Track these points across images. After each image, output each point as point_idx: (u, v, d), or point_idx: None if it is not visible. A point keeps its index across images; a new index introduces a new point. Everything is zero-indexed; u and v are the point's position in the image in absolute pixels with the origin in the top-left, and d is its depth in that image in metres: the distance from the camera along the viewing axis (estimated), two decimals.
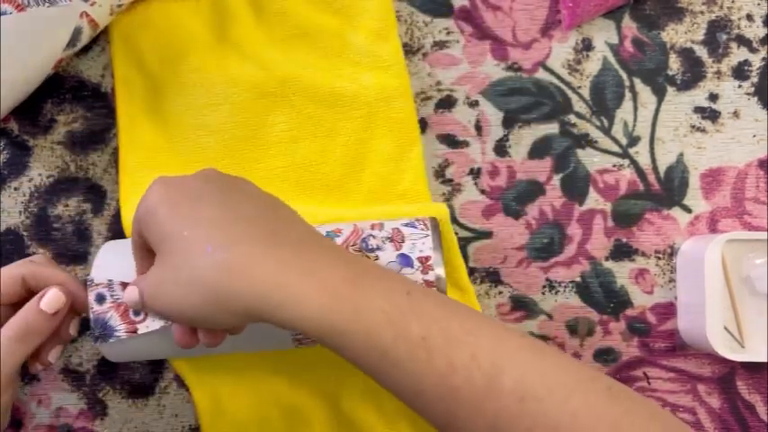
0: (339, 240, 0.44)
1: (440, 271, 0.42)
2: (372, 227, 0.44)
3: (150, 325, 0.42)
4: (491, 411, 0.33)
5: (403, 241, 0.43)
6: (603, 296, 0.52)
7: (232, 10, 0.51)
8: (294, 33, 0.52)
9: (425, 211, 0.48)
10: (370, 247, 0.43)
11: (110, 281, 0.42)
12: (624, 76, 0.52)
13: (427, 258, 0.43)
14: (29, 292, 0.44)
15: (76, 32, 0.47)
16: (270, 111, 0.51)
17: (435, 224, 0.45)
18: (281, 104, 0.51)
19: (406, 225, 0.44)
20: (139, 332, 0.42)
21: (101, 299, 0.42)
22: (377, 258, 0.43)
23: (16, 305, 0.43)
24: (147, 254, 0.40)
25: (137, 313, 0.42)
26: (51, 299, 0.42)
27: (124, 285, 0.42)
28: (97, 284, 0.42)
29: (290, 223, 0.38)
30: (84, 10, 0.46)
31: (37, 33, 0.45)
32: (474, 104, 0.53)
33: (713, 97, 0.52)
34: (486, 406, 0.33)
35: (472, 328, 0.35)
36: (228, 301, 0.35)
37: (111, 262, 0.44)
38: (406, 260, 0.43)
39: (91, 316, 0.42)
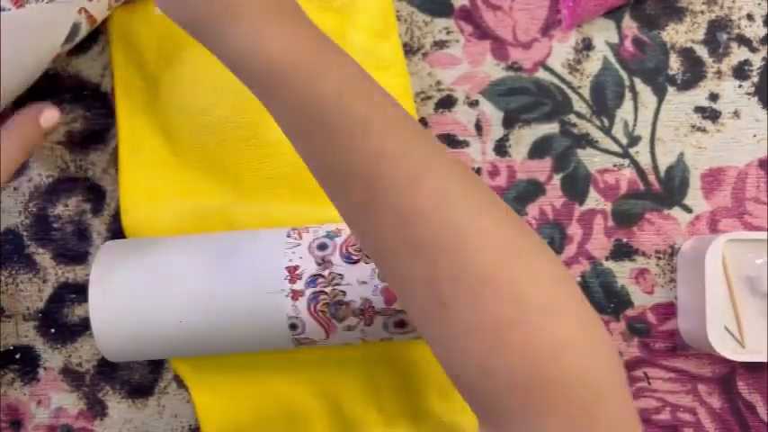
0: (339, 240, 0.44)
1: None
2: None
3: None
4: (406, 206, 0.32)
5: None
6: (604, 296, 0.52)
7: None
8: None
9: None
10: None
11: None
12: (624, 75, 0.52)
13: None
14: None
15: (75, 28, 0.47)
16: None
17: None
18: None
19: None
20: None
21: None
22: None
23: None
24: None
25: None
26: (49, 116, 0.46)
27: None
28: None
29: None
30: (82, 6, 0.47)
31: (35, 29, 0.45)
32: (474, 104, 0.53)
33: (714, 97, 0.52)
34: (401, 200, 0.32)
35: (412, 133, 0.34)
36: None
37: (112, 261, 0.44)
38: None
39: None
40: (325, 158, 0.34)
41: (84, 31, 0.48)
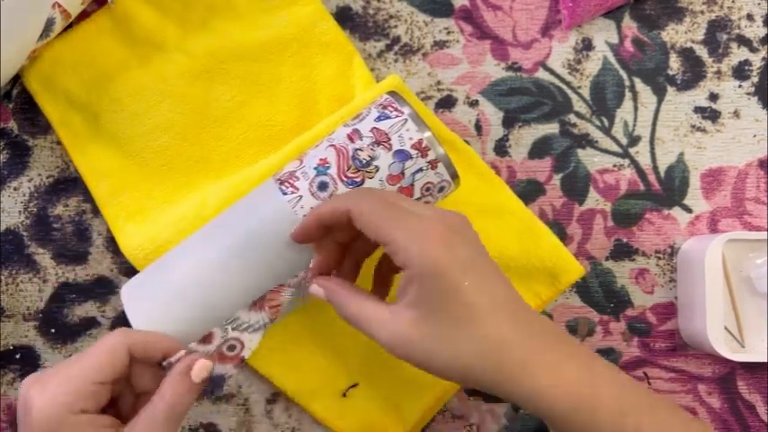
0: (332, 171, 0.43)
1: (439, 149, 0.42)
2: (351, 139, 0.43)
3: (251, 346, 0.43)
4: None
5: (389, 139, 0.42)
6: (604, 296, 0.52)
7: (132, 14, 0.51)
8: (200, 10, 0.52)
9: (378, 90, 0.48)
10: (363, 162, 0.42)
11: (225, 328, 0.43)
12: (624, 75, 0.52)
13: (420, 142, 0.42)
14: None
15: (49, 23, 0.47)
16: (208, 88, 0.51)
17: (401, 101, 0.43)
18: (216, 77, 0.51)
19: (379, 119, 0.43)
20: (246, 357, 0.43)
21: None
22: (376, 169, 0.42)
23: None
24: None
25: (231, 348, 0.42)
26: (200, 369, 0.40)
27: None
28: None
29: (531, 311, 0.39)
30: (56, 0, 0.46)
31: (10, 24, 0.45)
32: (474, 104, 0.53)
33: (713, 97, 0.52)
34: None
35: None
36: (486, 374, 0.36)
37: (144, 308, 0.43)
38: (402, 155, 0.42)
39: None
40: None
41: (59, 25, 0.48)
